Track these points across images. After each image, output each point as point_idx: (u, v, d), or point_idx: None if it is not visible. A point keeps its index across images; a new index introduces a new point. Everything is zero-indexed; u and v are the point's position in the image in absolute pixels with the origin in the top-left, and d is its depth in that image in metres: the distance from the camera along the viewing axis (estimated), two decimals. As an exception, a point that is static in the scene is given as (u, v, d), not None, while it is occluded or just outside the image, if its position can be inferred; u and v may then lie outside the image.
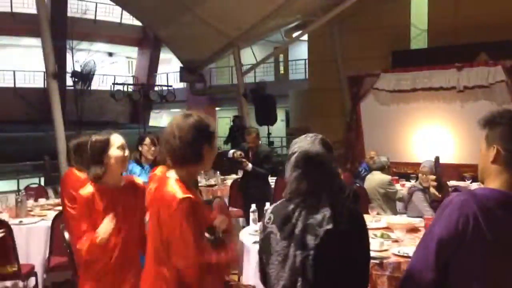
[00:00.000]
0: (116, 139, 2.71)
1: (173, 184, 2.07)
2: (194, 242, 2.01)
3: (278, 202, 1.91)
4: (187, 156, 2.09)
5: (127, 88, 12.85)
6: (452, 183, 6.15)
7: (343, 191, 1.89)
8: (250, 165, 5.45)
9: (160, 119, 24.71)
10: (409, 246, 3.21)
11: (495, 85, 8.24)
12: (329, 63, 11.86)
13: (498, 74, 8.21)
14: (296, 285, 1.72)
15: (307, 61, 14.66)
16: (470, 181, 6.60)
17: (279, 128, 20.50)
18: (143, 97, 11.71)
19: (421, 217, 4.25)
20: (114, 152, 2.67)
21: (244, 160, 5.48)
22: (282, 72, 23.17)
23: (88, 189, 2.64)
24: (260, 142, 6.12)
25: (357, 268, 1.79)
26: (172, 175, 2.13)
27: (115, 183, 2.70)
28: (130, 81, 21.72)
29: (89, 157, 2.68)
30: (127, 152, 2.73)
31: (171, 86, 13.41)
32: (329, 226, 1.71)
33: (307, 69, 15.36)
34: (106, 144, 2.67)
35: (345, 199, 1.87)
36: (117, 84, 12.73)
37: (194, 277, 2.02)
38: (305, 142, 1.84)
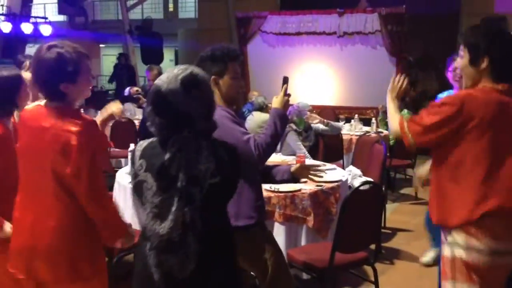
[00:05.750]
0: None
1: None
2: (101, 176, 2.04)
3: (145, 142, 1.76)
4: (45, 93, 1.98)
5: (-4, 19, 11.54)
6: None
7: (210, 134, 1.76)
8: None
9: (38, 54, 22.66)
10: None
11: (371, 34, 8.78)
12: (219, 2, 11.61)
13: (375, 22, 8.71)
14: (187, 238, 1.61)
15: (197, -1, 14.22)
16: (344, 122, 6.94)
17: (168, 68, 19.96)
18: (14, 29, 10.64)
19: (294, 155, 4.49)
20: None
21: (141, 96, 5.26)
22: (171, 9, 22.28)
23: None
24: None
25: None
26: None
27: None
28: (1, 11, 19.43)
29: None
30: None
31: (46, 18, 12.27)
32: (216, 180, 1.63)
33: (197, 8, 14.92)
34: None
35: (224, 143, 1.76)
36: (-18, 13, 11.35)
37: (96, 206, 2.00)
38: (165, 76, 1.73)
